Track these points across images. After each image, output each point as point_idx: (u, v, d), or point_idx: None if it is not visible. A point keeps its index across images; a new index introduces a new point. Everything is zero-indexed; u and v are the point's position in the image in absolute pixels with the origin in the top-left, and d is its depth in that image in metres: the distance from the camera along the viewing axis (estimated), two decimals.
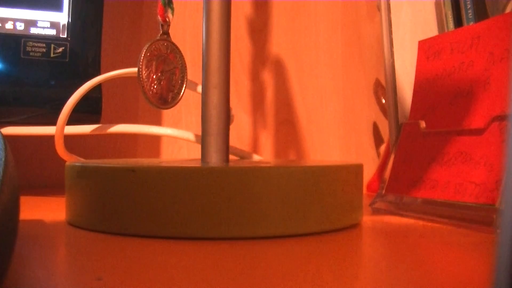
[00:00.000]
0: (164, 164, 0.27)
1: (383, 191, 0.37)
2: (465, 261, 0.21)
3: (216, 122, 0.30)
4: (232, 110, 0.40)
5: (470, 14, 0.42)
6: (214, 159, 0.30)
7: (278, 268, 0.19)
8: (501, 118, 0.30)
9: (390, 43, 0.45)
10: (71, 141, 0.42)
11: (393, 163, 0.37)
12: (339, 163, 0.29)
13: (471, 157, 0.31)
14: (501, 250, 0.11)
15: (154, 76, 0.34)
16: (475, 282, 0.18)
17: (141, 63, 0.33)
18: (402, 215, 0.34)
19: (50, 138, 0.39)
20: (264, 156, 0.58)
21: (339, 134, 0.61)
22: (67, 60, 0.42)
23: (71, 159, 0.39)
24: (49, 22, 0.42)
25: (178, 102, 0.36)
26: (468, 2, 0.42)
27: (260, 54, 0.59)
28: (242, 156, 0.43)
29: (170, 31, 0.35)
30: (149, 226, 0.25)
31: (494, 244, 0.11)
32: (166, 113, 0.56)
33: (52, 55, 0.42)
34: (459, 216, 0.30)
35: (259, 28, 0.59)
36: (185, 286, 0.16)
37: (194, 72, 0.42)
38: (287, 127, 0.59)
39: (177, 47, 0.35)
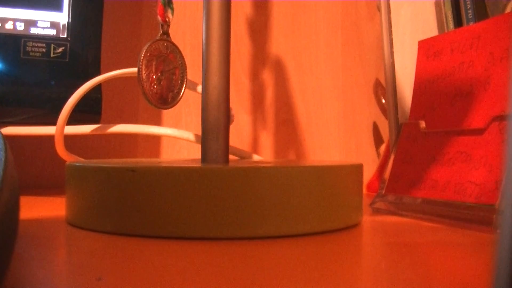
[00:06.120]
0: (164, 164, 0.27)
1: (383, 191, 0.37)
2: (465, 261, 0.21)
3: (216, 122, 0.30)
4: (232, 110, 0.40)
5: (470, 14, 0.42)
6: (214, 159, 0.30)
7: (278, 268, 0.19)
8: (501, 118, 0.30)
9: (390, 43, 0.45)
10: (71, 141, 0.42)
11: (393, 163, 0.37)
12: (339, 163, 0.29)
13: (471, 157, 0.31)
14: (501, 250, 0.11)
15: (154, 76, 0.34)
16: (475, 282, 0.18)
17: (141, 63, 0.33)
18: (402, 215, 0.34)
19: (50, 138, 0.39)
20: (264, 156, 0.58)
21: (339, 134, 0.61)
22: (67, 60, 0.42)
23: (71, 159, 0.39)
24: (49, 22, 0.42)
25: (178, 102, 0.36)
26: (468, 2, 0.42)
27: (260, 54, 0.59)
28: (242, 156, 0.43)
29: (170, 31, 0.35)
30: (149, 226, 0.25)
31: (494, 244, 0.11)
32: (166, 113, 0.56)
33: (52, 55, 0.42)
34: (459, 216, 0.30)
35: (259, 28, 0.59)
36: (185, 286, 0.16)
37: (194, 72, 0.42)
38: (287, 127, 0.59)
39: (177, 47, 0.35)
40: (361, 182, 0.30)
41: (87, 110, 0.42)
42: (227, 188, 0.24)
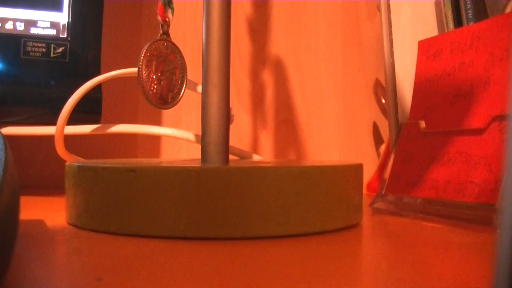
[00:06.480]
0: (164, 164, 0.27)
1: (383, 191, 0.37)
2: (465, 261, 0.21)
3: (216, 122, 0.30)
4: (232, 110, 0.40)
5: (470, 14, 0.42)
6: (214, 159, 0.30)
7: (278, 268, 0.19)
8: (501, 118, 0.30)
9: (390, 43, 0.45)
10: (71, 141, 0.42)
11: (393, 163, 0.37)
12: (339, 163, 0.29)
13: (471, 157, 0.31)
14: (501, 250, 0.11)
15: (154, 76, 0.34)
16: (475, 282, 0.18)
17: (141, 63, 0.33)
18: (402, 215, 0.34)
19: (50, 138, 0.39)
20: (264, 156, 0.58)
21: (339, 134, 0.61)
22: (67, 60, 0.42)
23: (71, 159, 0.39)
24: (49, 22, 0.42)
25: (178, 102, 0.36)
26: (468, 2, 0.42)
27: (260, 54, 0.59)
28: (242, 156, 0.43)
29: (170, 31, 0.35)
30: (149, 226, 0.25)
31: (494, 244, 0.11)
32: (166, 113, 0.56)
33: (52, 55, 0.42)
34: (459, 216, 0.30)
35: (259, 28, 0.59)
36: (185, 286, 0.16)
37: (194, 72, 0.42)
38: (287, 127, 0.59)
39: (177, 47, 0.35)
40: (361, 182, 0.30)
41: (87, 110, 0.42)
42: (227, 188, 0.24)
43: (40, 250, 0.21)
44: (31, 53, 0.41)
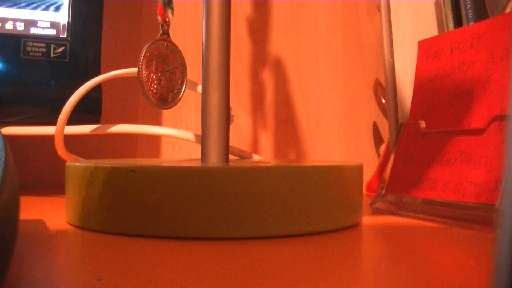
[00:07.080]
0: (164, 164, 0.27)
1: (383, 191, 0.37)
2: (465, 261, 0.21)
3: (216, 122, 0.30)
4: (232, 110, 0.40)
5: (470, 14, 0.42)
6: (214, 159, 0.30)
7: (278, 268, 0.19)
8: (501, 118, 0.30)
9: (390, 43, 0.45)
10: (71, 141, 0.42)
11: (393, 163, 0.37)
12: (339, 163, 0.29)
13: (471, 157, 0.31)
14: (501, 250, 0.11)
15: (154, 76, 0.34)
16: (475, 282, 0.18)
17: (141, 63, 0.33)
18: (402, 215, 0.34)
19: (50, 138, 0.39)
20: (264, 156, 0.58)
21: (339, 134, 0.61)
22: (67, 60, 0.42)
23: (71, 159, 0.39)
24: (49, 22, 0.42)
25: (178, 102, 0.36)
26: (468, 2, 0.42)
27: (260, 54, 0.59)
28: (242, 156, 0.43)
29: (170, 31, 0.35)
30: (149, 226, 0.25)
31: (494, 244, 0.11)
32: (166, 113, 0.56)
33: (52, 55, 0.42)
34: (459, 216, 0.30)
35: (259, 28, 0.59)
36: (185, 286, 0.16)
37: (194, 72, 0.42)
38: (287, 127, 0.59)
39: (177, 47, 0.35)
40: (361, 182, 0.30)
41: (87, 110, 0.42)
42: (227, 188, 0.24)
43: (40, 250, 0.21)
44: (31, 53, 0.41)
